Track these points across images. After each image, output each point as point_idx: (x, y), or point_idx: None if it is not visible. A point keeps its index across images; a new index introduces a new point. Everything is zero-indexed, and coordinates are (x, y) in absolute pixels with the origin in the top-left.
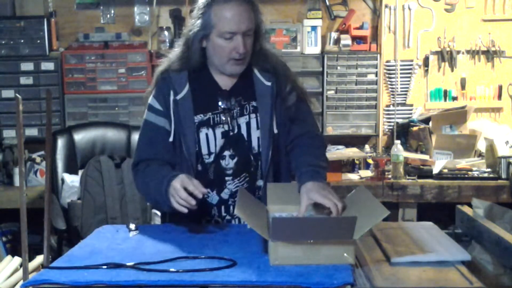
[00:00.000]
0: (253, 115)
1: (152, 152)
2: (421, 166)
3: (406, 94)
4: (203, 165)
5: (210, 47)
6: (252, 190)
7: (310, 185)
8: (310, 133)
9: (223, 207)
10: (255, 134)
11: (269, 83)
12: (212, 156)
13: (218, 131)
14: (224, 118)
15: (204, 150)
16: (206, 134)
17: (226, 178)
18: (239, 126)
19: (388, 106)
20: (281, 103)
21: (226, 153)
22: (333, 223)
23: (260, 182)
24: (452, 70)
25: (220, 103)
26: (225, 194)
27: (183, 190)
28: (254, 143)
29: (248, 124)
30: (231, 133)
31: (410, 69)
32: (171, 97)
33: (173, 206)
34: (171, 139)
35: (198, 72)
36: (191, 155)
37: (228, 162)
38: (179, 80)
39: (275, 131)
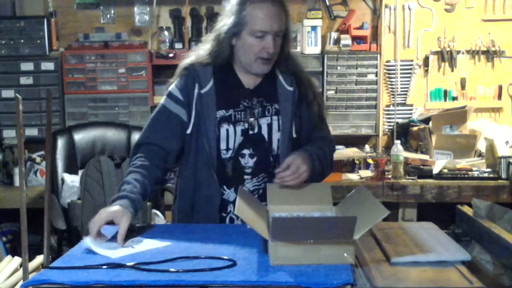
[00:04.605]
0: (275, 117)
1: (158, 137)
2: (421, 166)
3: (406, 94)
4: (220, 160)
5: (240, 45)
6: None
7: (301, 153)
8: (326, 138)
9: None
10: (276, 136)
11: (291, 88)
12: (230, 152)
13: (238, 128)
14: (245, 116)
15: (223, 146)
16: (227, 130)
17: (245, 176)
18: (260, 126)
19: (388, 106)
20: (302, 109)
21: (246, 151)
22: (333, 223)
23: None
24: (452, 70)
25: (242, 101)
26: None
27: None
28: (274, 145)
29: (269, 126)
30: (251, 132)
31: (410, 69)
32: (196, 91)
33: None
34: (188, 131)
35: (223, 68)
36: (212, 149)
37: (248, 161)
38: (204, 74)
39: (294, 135)
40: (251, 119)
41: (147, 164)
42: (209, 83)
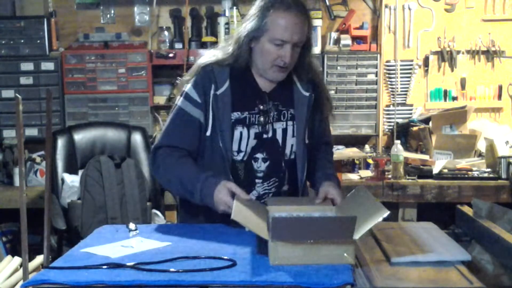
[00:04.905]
0: (290, 123)
1: (179, 141)
2: (421, 166)
3: (406, 94)
4: (232, 162)
5: (258, 49)
6: (278, 194)
7: (332, 183)
8: (329, 144)
9: None
10: (290, 141)
11: (307, 94)
12: (241, 155)
13: (252, 132)
14: (260, 120)
15: (234, 147)
16: (241, 133)
17: (256, 180)
18: (274, 131)
19: (388, 106)
20: (316, 114)
21: (259, 155)
22: (333, 223)
23: (285, 187)
24: (452, 70)
25: (258, 104)
26: (252, 196)
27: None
28: (287, 150)
29: (284, 131)
30: (265, 136)
31: (410, 69)
32: (212, 92)
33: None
34: (208, 133)
35: (240, 70)
36: (228, 151)
37: (260, 165)
38: (221, 75)
39: (306, 141)
40: (261, 118)
41: (180, 156)
42: (225, 84)
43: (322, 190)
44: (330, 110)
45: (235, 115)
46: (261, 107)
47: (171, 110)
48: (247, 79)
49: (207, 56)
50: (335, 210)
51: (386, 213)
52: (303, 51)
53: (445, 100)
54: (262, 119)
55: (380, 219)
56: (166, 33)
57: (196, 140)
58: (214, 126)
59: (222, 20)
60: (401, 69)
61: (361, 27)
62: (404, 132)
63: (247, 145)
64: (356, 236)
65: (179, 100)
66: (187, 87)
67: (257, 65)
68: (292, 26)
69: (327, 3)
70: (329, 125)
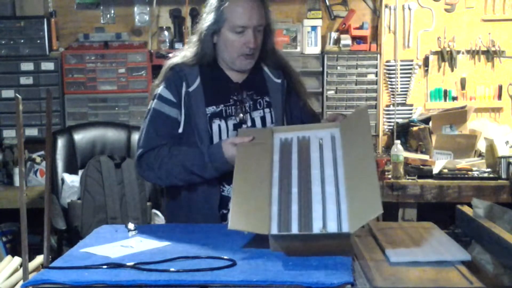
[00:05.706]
0: (267, 110)
1: (161, 142)
2: (421, 166)
3: (406, 94)
4: None
5: (221, 42)
6: None
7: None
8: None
9: None
10: None
11: (278, 80)
12: None
13: (230, 123)
14: (236, 111)
15: (215, 141)
16: (219, 126)
17: None
18: (253, 120)
19: (388, 106)
20: (292, 100)
21: None
22: (331, 239)
23: None
24: (452, 70)
25: (232, 96)
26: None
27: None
28: None
29: (263, 119)
30: (244, 126)
31: (410, 69)
32: (183, 89)
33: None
34: (180, 130)
35: (209, 67)
36: (204, 145)
37: None
38: (190, 73)
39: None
40: (241, 115)
41: (170, 149)
42: (196, 81)
43: (331, 115)
44: (306, 95)
45: (211, 109)
46: (236, 98)
47: (145, 116)
48: (217, 75)
49: (176, 57)
50: (339, 130)
51: (380, 212)
52: (265, 37)
53: (445, 100)
54: (238, 110)
55: (373, 217)
56: (166, 33)
57: (175, 140)
58: (189, 123)
59: None
60: (401, 69)
61: (361, 27)
62: (404, 132)
63: (227, 137)
64: (351, 230)
65: (153, 103)
66: (160, 89)
67: (224, 58)
68: (249, 10)
69: (327, 3)
70: (313, 110)
